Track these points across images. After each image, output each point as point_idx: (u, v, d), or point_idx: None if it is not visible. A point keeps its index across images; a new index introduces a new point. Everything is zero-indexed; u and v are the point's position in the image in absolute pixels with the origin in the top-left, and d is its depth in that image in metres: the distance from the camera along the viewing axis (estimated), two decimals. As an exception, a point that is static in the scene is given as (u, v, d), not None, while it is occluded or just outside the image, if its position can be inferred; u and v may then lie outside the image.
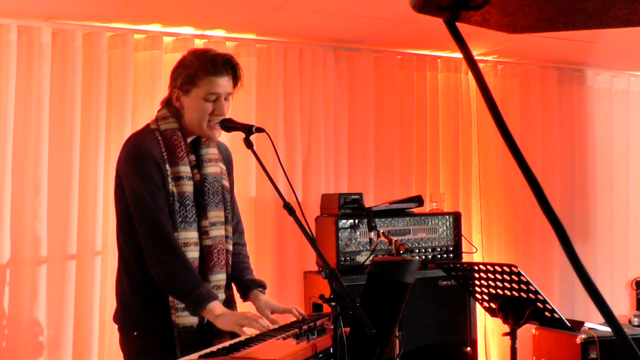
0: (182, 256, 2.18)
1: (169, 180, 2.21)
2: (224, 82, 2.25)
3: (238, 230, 2.48)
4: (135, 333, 2.26)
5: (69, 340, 3.40)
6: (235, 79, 2.29)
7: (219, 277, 2.30)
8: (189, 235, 2.22)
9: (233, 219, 2.44)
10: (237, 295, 2.45)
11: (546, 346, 4.11)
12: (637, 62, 4.79)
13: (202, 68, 2.22)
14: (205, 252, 2.27)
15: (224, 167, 2.40)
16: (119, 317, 2.34)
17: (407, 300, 2.08)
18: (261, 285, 2.40)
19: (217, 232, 2.30)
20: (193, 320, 2.21)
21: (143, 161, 2.20)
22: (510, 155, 0.67)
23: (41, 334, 3.37)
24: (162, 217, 2.17)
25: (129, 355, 2.30)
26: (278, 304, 2.36)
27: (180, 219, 2.20)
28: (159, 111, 2.34)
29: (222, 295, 2.30)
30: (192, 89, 2.24)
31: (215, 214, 2.30)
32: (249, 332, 2.08)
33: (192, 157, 2.30)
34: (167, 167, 2.22)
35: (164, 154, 2.22)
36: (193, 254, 2.22)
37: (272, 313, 2.28)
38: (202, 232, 2.27)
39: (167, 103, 2.32)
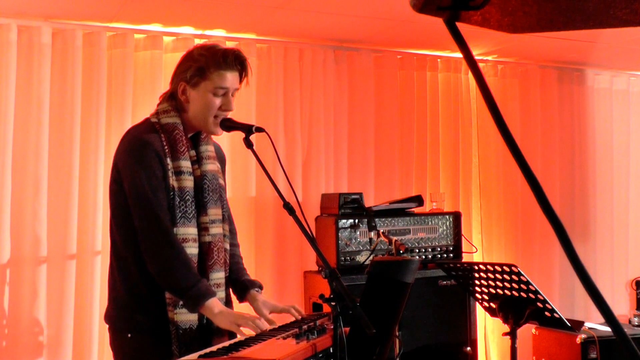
0: (181, 253, 2.13)
1: (170, 174, 2.17)
2: (233, 77, 2.24)
3: (232, 230, 2.46)
4: (129, 335, 2.20)
5: (69, 340, 3.40)
6: (243, 74, 2.28)
7: (219, 275, 2.27)
8: (188, 231, 2.18)
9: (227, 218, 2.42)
10: (233, 297, 2.42)
11: (546, 346, 4.11)
12: (637, 62, 4.79)
13: (213, 61, 2.20)
14: (205, 249, 2.23)
15: (219, 166, 2.38)
16: (111, 317, 2.27)
17: (407, 300, 2.08)
18: (258, 286, 2.38)
19: (217, 229, 2.28)
20: (191, 317, 2.16)
21: (145, 154, 2.15)
22: (510, 155, 0.67)
23: (41, 334, 3.37)
24: (162, 212, 2.13)
25: (122, 358, 2.24)
26: (276, 303, 2.35)
27: (180, 215, 2.17)
28: (159, 105, 2.31)
29: (221, 294, 2.27)
30: (201, 82, 2.21)
31: (215, 212, 2.28)
32: (246, 332, 2.06)
33: (193, 153, 2.27)
34: (169, 160, 2.18)
35: (166, 147, 2.19)
36: (192, 250, 2.19)
37: (270, 313, 2.26)
38: (201, 229, 2.24)
39: (169, 97, 2.29)
